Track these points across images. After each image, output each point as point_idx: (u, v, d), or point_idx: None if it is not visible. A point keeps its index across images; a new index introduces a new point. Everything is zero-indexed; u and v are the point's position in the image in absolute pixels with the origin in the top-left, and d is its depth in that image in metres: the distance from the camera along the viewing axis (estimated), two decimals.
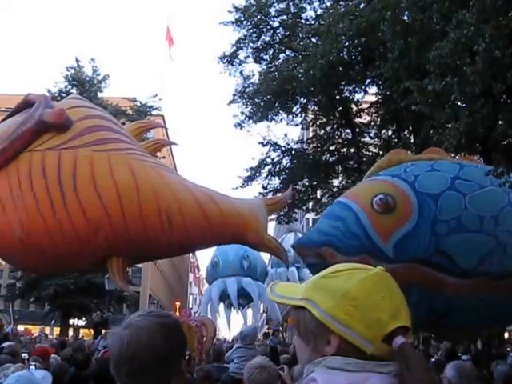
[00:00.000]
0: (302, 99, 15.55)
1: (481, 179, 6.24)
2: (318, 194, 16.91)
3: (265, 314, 32.00)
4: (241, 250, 18.30)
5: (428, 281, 5.80)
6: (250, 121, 15.91)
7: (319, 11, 15.41)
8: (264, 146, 16.46)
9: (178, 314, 14.66)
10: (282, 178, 16.29)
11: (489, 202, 6.20)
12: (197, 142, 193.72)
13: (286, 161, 16.60)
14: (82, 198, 5.45)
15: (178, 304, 31.52)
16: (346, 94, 15.17)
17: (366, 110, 16.06)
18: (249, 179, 16.38)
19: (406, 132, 14.50)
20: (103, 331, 11.96)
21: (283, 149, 16.56)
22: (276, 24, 15.69)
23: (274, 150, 16.54)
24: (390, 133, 15.76)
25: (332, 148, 16.42)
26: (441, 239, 5.92)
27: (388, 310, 1.20)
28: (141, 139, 7.05)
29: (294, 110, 16.14)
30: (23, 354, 6.97)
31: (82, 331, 24.18)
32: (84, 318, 25.70)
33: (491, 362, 7.81)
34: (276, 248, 6.76)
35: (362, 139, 16.12)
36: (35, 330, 19.42)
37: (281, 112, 15.93)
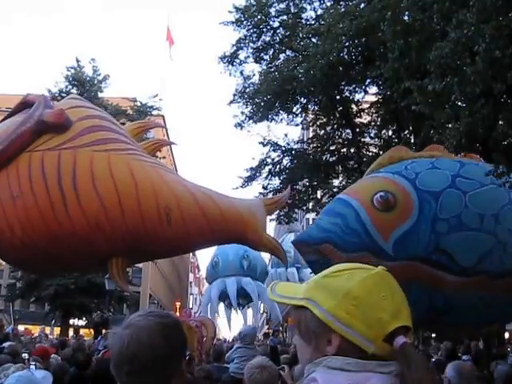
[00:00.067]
0: (302, 99, 15.54)
1: (481, 177, 6.23)
2: (319, 194, 16.90)
3: (265, 314, 32.02)
4: (241, 250, 18.29)
5: (428, 279, 5.80)
6: (251, 121, 15.90)
7: (319, 11, 15.41)
8: (264, 146, 16.46)
9: (178, 314, 14.66)
10: (282, 178, 16.28)
11: (489, 200, 6.20)
12: (197, 142, 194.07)
13: (286, 161, 16.60)
14: (82, 198, 5.45)
15: (178, 304, 31.58)
16: (347, 94, 15.16)
17: (366, 110, 16.06)
18: (249, 179, 16.38)
19: (406, 132, 14.50)
20: (103, 331, 11.95)
21: (283, 149, 16.55)
22: (276, 24, 15.68)
23: (274, 150, 16.53)
24: (390, 133, 15.76)
25: (332, 148, 16.42)
26: (441, 237, 5.92)
27: (389, 310, 1.20)
28: (140, 139, 7.06)
29: (294, 110, 16.13)
30: (23, 354, 6.98)
31: (83, 331, 24.16)
32: (84, 318, 25.70)
33: (491, 361, 7.82)
34: (275, 248, 6.77)
35: (363, 139, 16.11)
36: (35, 330, 19.41)
37: (281, 112, 15.92)
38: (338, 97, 14.92)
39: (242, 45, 15.86)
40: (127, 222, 5.63)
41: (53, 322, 25.35)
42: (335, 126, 16.29)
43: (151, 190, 5.79)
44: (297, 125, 17.45)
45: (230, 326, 23.46)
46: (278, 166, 16.42)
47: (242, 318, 22.01)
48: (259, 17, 15.35)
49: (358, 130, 15.83)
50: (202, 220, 6.03)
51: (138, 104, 26.21)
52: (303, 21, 15.74)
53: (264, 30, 15.72)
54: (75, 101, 6.48)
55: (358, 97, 15.58)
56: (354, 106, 15.74)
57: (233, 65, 16.28)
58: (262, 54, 16.09)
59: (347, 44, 12.91)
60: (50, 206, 5.38)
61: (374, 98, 15.72)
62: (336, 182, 16.56)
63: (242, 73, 16.38)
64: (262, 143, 16.38)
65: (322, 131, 16.75)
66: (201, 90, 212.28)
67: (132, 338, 1.39)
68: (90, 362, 6.57)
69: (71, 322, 25.93)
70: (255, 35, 15.72)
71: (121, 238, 5.67)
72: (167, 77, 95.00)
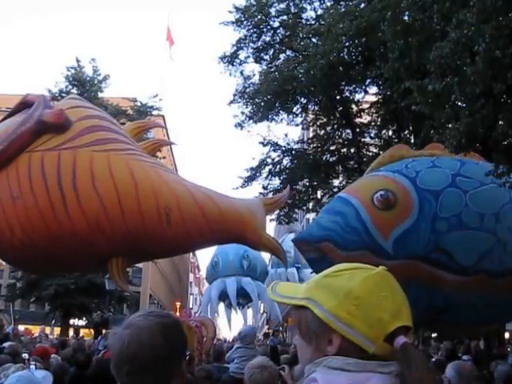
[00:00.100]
0: (302, 99, 15.54)
1: (482, 176, 6.24)
2: (319, 194, 16.90)
3: (265, 314, 32.01)
4: (241, 250, 18.28)
5: (427, 278, 5.81)
6: (251, 121, 15.91)
7: (319, 11, 15.41)
8: (264, 146, 16.46)
9: (178, 314, 14.66)
10: (282, 178, 16.29)
11: (489, 199, 6.21)
12: (197, 142, 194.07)
13: (286, 161, 16.61)
14: (82, 198, 5.46)
15: (178, 304, 31.58)
16: (347, 94, 15.17)
17: (366, 110, 16.07)
18: (249, 179, 16.38)
19: (406, 132, 14.51)
20: (104, 331, 11.94)
21: (283, 149, 16.56)
22: (276, 24, 15.69)
23: (274, 150, 16.54)
24: (390, 133, 15.77)
25: (332, 148, 16.43)
26: (441, 236, 5.93)
27: (390, 310, 1.20)
28: (140, 139, 7.07)
29: (294, 110, 16.14)
30: (24, 354, 6.97)
31: (83, 331, 24.17)
32: (84, 318, 25.70)
33: (491, 361, 7.81)
34: (275, 248, 6.78)
35: (363, 139, 16.12)
36: (36, 330, 19.41)
37: (281, 112, 15.92)
38: (338, 97, 14.93)
39: (242, 45, 15.86)
40: (127, 222, 5.63)
41: (53, 322, 25.36)
42: (335, 126, 16.29)
43: (151, 190, 5.79)
44: (297, 125, 17.47)
45: (230, 325, 23.45)
46: (278, 166, 16.43)
47: (241, 317, 22.01)
48: (259, 17, 15.36)
49: (358, 130, 15.84)
50: (202, 220, 6.04)
51: (138, 104, 26.22)
52: (303, 21, 15.74)
53: (264, 30, 15.73)
54: (75, 101, 6.48)
55: (358, 97, 15.63)
56: (354, 106, 15.75)
57: (233, 65, 16.29)
58: (262, 54, 16.10)
59: (347, 44, 12.92)
60: (50, 206, 5.38)
61: (374, 98, 15.72)
62: (336, 182, 16.56)
63: (242, 73, 16.41)
64: (262, 143, 16.40)
65: (322, 131, 16.75)
66: (201, 90, 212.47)
67: (132, 337, 1.38)
68: (90, 362, 6.57)
69: (71, 322, 25.93)
70: (255, 35, 15.72)
71: (121, 238, 5.68)
72: (167, 77, 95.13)
